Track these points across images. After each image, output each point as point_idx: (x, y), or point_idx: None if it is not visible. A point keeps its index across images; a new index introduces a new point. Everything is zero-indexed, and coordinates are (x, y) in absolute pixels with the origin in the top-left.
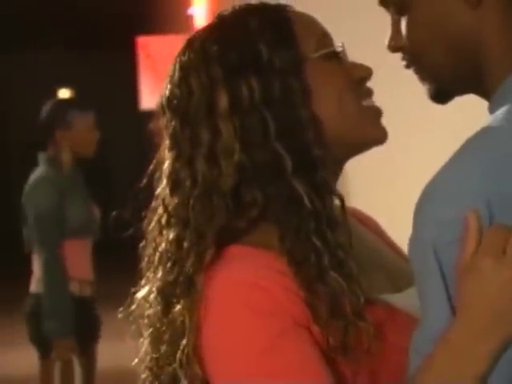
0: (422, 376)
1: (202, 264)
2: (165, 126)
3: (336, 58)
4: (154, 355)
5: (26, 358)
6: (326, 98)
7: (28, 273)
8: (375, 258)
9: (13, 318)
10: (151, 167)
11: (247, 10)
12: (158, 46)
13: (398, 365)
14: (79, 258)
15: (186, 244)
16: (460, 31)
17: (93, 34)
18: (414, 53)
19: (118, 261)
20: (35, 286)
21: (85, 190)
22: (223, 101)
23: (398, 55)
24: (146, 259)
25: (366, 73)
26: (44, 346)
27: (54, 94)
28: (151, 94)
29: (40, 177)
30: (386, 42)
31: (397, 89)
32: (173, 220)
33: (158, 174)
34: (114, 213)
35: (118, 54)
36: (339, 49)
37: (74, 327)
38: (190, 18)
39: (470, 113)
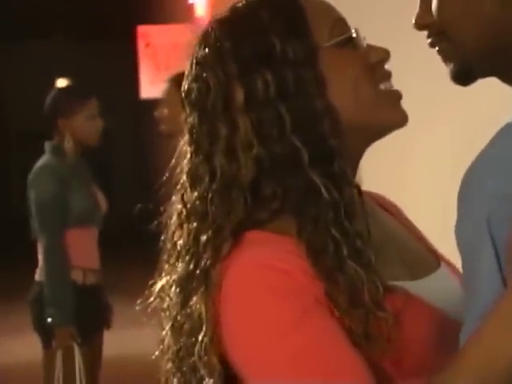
0: (470, 348)
1: (218, 257)
2: (184, 121)
3: (350, 43)
4: (175, 347)
5: (31, 346)
6: (341, 86)
7: (35, 260)
8: (393, 244)
9: (19, 306)
10: (172, 161)
11: (258, 0)
12: (159, 36)
13: (417, 353)
14: (82, 247)
15: (203, 237)
16: (495, 12)
17: (93, 23)
18: (442, 30)
19: (127, 251)
20: (39, 274)
21: (89, 180)
22: (239, 96)
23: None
24: (165, 252)
25: (382, 55)
26: (46, 335)
27: (54, 83)
28: (151, 84)
29: (43, 165)
30: (413, 19)
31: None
32: (191, 214)
33: (178, 169)
34: (138, 205)
35: (118, 43)
36: (354, 34)
37: (74, 316)
38: (190, 7)
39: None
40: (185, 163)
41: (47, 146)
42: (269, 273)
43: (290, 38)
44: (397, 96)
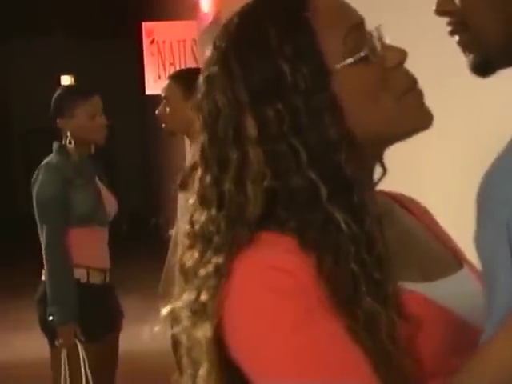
0: (486, 351)
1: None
2: (197, 131)
3: (365, 58)
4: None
5: (34, 343)
6: (359, 106)
7: (38, 258)
8: (409, 244)
9: (21, 303)
10: (188, 168)
11: (263, 14)
12: (164, 32)
13: (430, 355)
14: (87, 246)
15: (210, 260)
16: None
17: (98, 20)
18: (464, 18)
19: (131, 248)
20: (44, 273)
21: (93, 179)
22: (251, 127)
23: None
24: (176, 271)
25: (399, 59)
26: (51, 334)
27: (58, 81)
28: (156, 80)
29: (46, 164)
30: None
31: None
32: (198, 236)
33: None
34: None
35: (123, 40)
36: (365, 52)
37: (77, 314)
38: (195, 4)
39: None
40: (196, 181)
41: (54, 145)
42: (273, 274)
43: (299, 64)
44: (419, 96)
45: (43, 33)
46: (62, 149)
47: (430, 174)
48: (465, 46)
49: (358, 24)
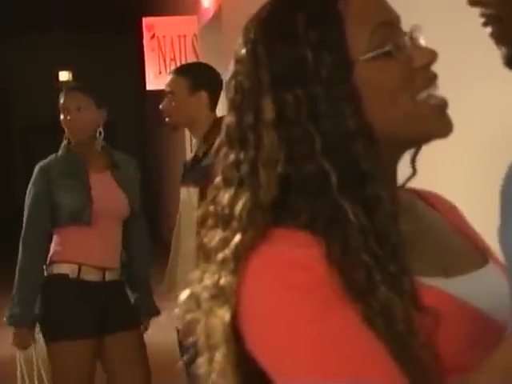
0: (505, 348)
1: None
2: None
3: (391, 51)
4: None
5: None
6: (377, 102)
7: None
8: (430, 240)
9: None
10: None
11: (296, 1)
12: (164, 27)
13: (450, 351)
14: (78, 244)
15: (231, 241)
16: None
17: (99, 15)
18: (497, 10)
19: None
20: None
21: (85, 178)
22: (269, 111)
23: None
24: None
25: (427, 59)
26: (44, 330)
27: (56, 76)
28: (157, 76)
29: (39, 164)
30: None
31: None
32: (219, 217)
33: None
34: None
35: (121, 36)
36: (390, 47)
37: (34, 317)
38: None
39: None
40: (221, 160)
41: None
42: (286, 269)
43: (323, 52)
44: (440, 105)
45: (43, 30)
46: (64, 146)
47: (447, 173)
48: (497, 38)
49: (388, 21)
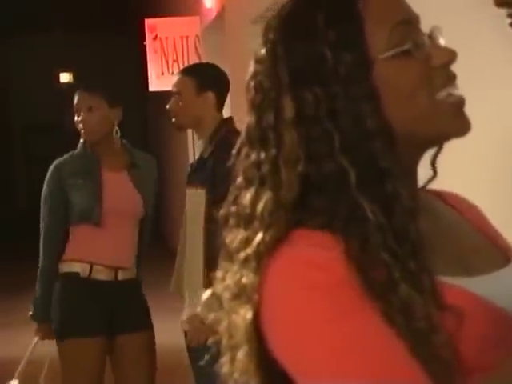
0: None
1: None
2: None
3: (410, 50)
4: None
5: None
6: (395, 100)
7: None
8: (449, 240)
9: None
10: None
11: (316, 0)
12: (167, 28)
13: (471, 351)
14: (89, 242)
15: (252, 242)
16: None
17: (102, 16)
18: None
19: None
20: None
21: (96, 177)
22: (288, 109)
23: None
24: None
25: (447, 58)
26: (57, 331)
27: (56, 78)
28: (159, 77)
29: (54, 162)
30: None
31: None
32: (241, 217)
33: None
34: None
35: (123, 37)
36: (409, 45)
37: (48, 315)
38: (199, 0)
39: None
40: (242, 160)
41: None
42: (306, 270)
43: (342, 51)
44: (458, 103)
45: (43, 29)
46: (81, 145)
47: (469, 175)
48: None
49: (408, 19)
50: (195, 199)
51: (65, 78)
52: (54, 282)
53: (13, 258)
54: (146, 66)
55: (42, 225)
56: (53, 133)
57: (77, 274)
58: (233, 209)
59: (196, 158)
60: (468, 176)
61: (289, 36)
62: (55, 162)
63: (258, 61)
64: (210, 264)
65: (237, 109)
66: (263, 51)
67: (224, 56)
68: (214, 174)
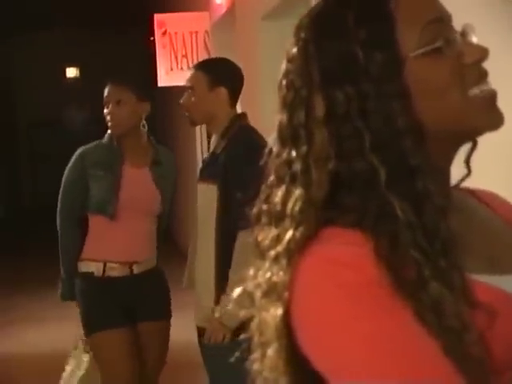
0: None
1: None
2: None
3: (441, 48)
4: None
5: (47, 335)
6: (427, 98)
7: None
8: (480, 237)
9: (35, 296)
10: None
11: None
12: (176, 24)
13: (506, 350)
14: (103, 238)
15: (283, 239)
16: None
17: (111, 12)
18: None
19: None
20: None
21: (118, 169)
22: (319, 108)
23: None
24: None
25: (478, 56)
26: (85, 326)
27: (62, 72)
28: (168, 72)
29: (79, 149)
30: None
31: None
32: (272, 215)
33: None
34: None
35: (133, 32)
36: (440, 43)
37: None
38: None
39: None
40: (273, 158)
41: None
42: (335, 268)
43: (373, 50)
44: (490, 97)
45: (45, 27)
46: (108, 135)
47: (503, 172)
48: None
49: (439, 18)
50: (207, 194)
51: (71, 72)
52: (76, 262)
53: (17, 255)
54: (154, 62)
55: (59, 207)
56: (57, 129)
57: (92, 273)
58: (264, 207)
59: (206, 154)
60: (500, 174)
61: (320, 35)
62: (79, 150)
63: (289, 59)
64: (222, 260)
65: (246, 104)
66: (295, 50)
67: (234, 52)
68: (225, 170)
